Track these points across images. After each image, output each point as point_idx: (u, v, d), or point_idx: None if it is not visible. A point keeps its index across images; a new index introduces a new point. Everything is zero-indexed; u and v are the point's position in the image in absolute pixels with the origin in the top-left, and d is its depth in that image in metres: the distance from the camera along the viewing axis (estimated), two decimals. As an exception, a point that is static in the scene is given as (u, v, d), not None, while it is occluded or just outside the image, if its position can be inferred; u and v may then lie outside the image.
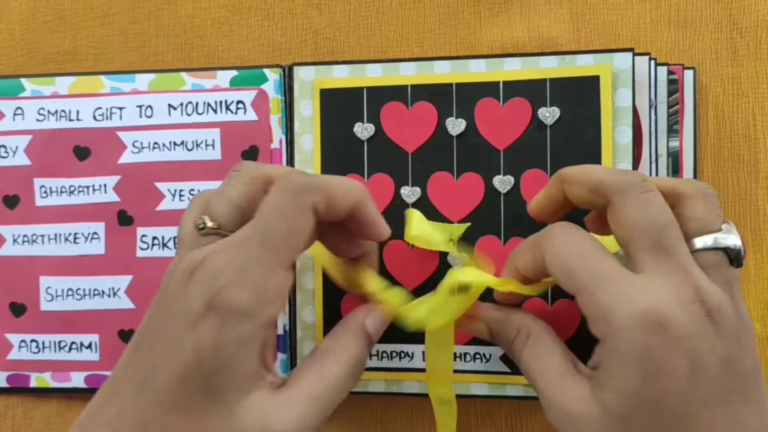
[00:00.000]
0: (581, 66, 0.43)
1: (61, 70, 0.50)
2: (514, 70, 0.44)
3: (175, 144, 0.47)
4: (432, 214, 0.44)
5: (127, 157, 0.47)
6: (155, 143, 0.47)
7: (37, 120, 0.48)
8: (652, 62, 0.43)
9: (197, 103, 0.47)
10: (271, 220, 0.32)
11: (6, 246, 0.48)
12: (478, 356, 0.44)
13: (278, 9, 0.49)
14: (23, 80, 0.48)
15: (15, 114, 0.48)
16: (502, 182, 0.44)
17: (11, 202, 0.48)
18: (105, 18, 0.50)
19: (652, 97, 0.43)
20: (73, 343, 0.47)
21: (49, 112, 0.48)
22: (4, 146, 0.48)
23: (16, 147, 0.48)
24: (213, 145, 0.47)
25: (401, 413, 0.47)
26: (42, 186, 0.48)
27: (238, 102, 0.47)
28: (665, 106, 0.44)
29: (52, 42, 0.50)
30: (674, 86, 0.44)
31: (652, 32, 0.46)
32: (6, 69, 0.50)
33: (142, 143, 0.47)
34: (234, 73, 0.47)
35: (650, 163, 0.43)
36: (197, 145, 0.47)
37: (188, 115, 0.47)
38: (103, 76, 0.48)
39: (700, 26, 0.46)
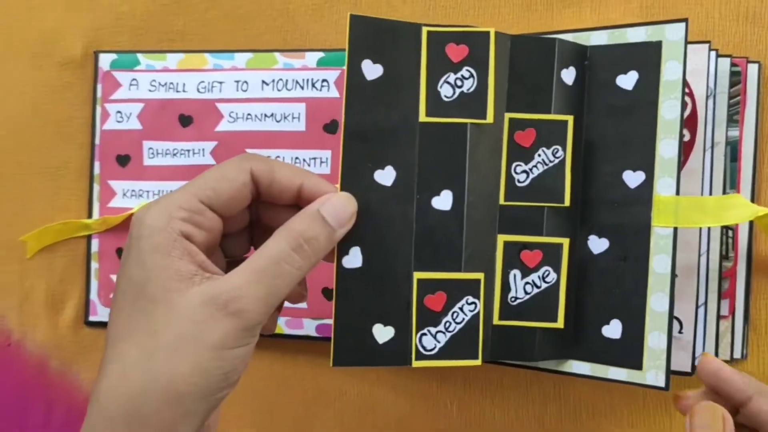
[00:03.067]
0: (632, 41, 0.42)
1: (171, 47, 0.56)
2: None
3: (265, 116, 0.52)
4: None
5: (223, 126, 0.53)
6: (249, 114, 0.53)
7: (149, 90, 0.54)
8: (713, 53, 0.44)
9: (287, 81, 0.52)
10: (208, 170, 0.36)
11: (117, 198, 0.55)
12: None
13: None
14: (139, 55, 0.55)
15: (131, 84, 0.55)
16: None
17: (123, 160, 0.55)
18: (213, 2, 0.56)
19: (711, 85, 0.44)
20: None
21: (159, 83, 0.54)
22: (120, 112, 0.55)
23: (130, 113, 0.54)
24: (299, 118, 0.52)
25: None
26: (150, 148, 0.54)
27: (323, 80, 0.52)
28: (725, 96, 0.45)
29: (168, 23, 0.57)
30: (737, 78, 0.46)
31: (720, 26, 0.48)
32: (128, 45, 0.57)
33: (237, 114, 0.53)
34: (321, 54, 0.52)
35: (704, 150, 0.44)
36: (285, 118, 0.52)
37: (278, 90, 0.52)
38: (208, 54, 0.54)
39: (770, 22, 0.47)
